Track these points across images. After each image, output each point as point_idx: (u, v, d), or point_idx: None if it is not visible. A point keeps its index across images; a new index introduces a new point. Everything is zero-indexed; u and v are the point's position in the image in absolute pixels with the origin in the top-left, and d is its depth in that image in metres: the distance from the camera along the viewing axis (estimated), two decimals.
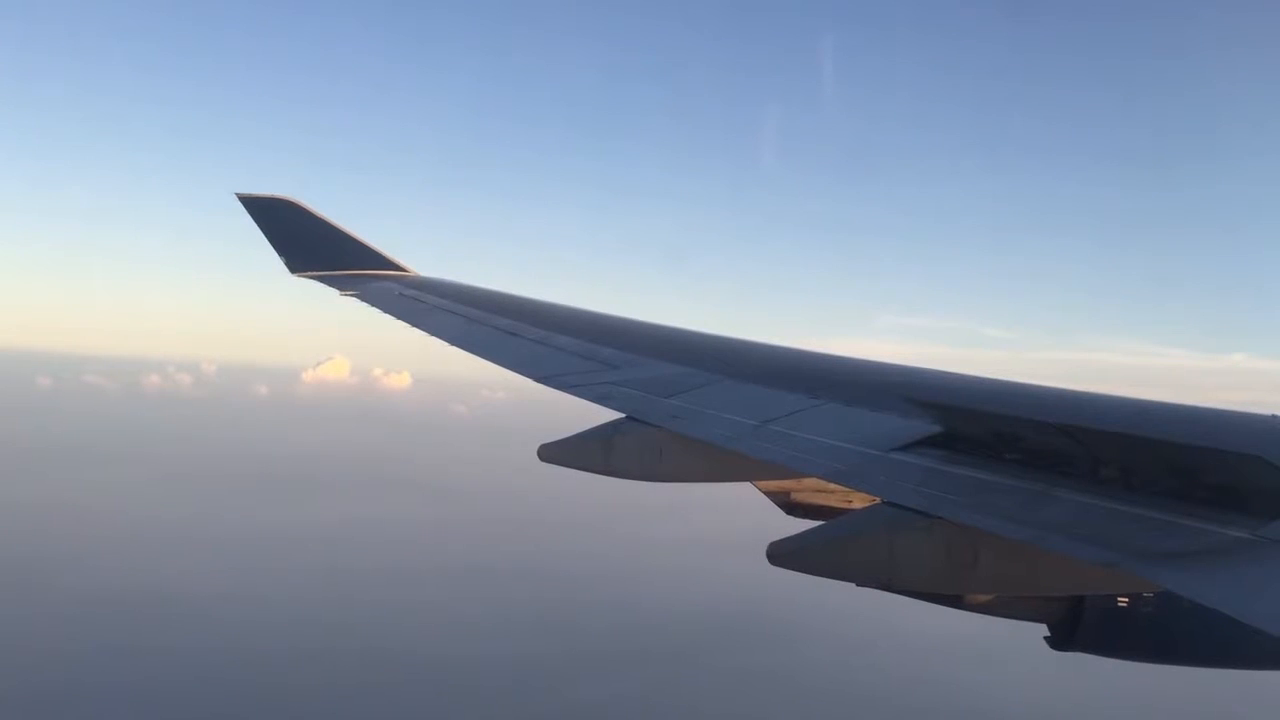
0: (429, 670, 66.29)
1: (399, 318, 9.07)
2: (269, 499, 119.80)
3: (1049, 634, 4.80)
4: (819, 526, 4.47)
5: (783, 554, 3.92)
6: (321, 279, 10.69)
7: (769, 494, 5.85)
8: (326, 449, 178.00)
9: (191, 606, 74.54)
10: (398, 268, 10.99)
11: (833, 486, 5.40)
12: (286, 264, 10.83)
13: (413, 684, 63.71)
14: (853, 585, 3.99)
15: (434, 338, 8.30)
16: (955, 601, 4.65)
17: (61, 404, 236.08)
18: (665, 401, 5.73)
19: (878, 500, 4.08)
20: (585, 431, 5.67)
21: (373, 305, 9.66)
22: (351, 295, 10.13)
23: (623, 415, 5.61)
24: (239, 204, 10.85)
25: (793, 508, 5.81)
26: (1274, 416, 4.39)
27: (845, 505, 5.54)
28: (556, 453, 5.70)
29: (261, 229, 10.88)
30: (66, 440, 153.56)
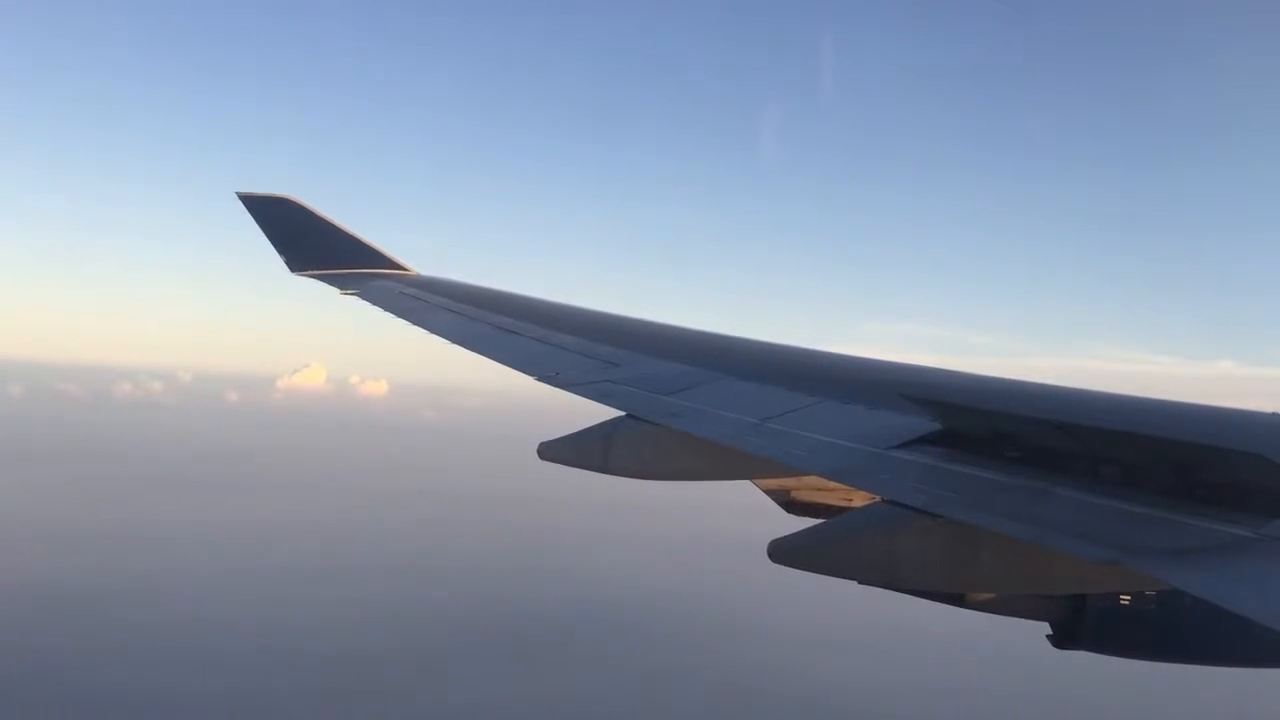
0: (421, 666, 66.42)
1: (399, 316, 9.06)
2: (203, 501, 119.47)
3: (1051, 632, 4.79)
4: (820, 524, 4.47)
5: (784, 552, 3.91)
6: (322, 278, 10.68)
7: (769, 492, 5.84)
8: (275, 452, 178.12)
9: (83, 603, 74.05)
10: (398, 267, 10.97)
11: (833, 485, 5.40)
12: (287, 263, 10.82)
13: (402, 681, 63.80)
14: (854, 583, 3.98)
15: (435, 336, 8.30)
16: (957, 600, 4.64)
17: (26, 411, 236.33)
18: (665, 399, 5.72)
19: (878, 498, 4.07)
20: (585, 429, 5.65)
21: (373, 304, 9.65)
22: (352, 294, 10.12)
23: (622, 413, 5.60)
24: (231, 207, 10.84)
25: (793, 506, 5.81)
26: (1275, 415, 4.37)
27: (846, 503, 5.54)
28: (556, 451, 5.68)
29: (261, 228, 10.87)
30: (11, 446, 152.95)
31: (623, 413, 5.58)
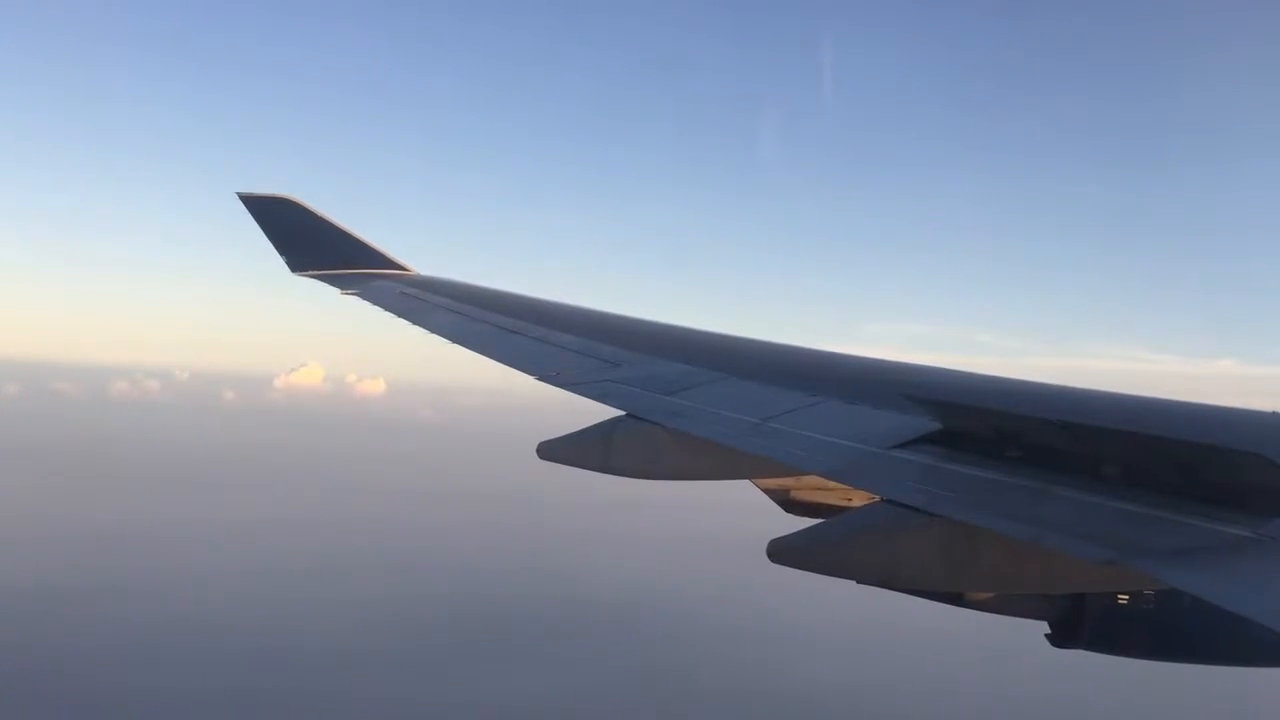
0: (420, 666, 66.40)
1: (400, 316, 9.07)
2: (201, 500, 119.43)
3: (1050, 632, 4.80)
4: (819, 524, 4.47)
5: (783, 552, 3.92)
6: (322, 278, 10.70)
7: (768, 492, 5.84)
8: (273, 450, 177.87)
9: (81, 602, 73.84)
10: (399, 267, 10.99)
11: (832, 484, 5.40)
12: (287, 263, 10.83)
13: (401, 681, 63.79)
14: (853, 583, 3.99)
15: (434, 335, 8.31)
16: (955, 599, 4.65)
17: (23, 410, 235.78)
18: (665, 399, 5.72)
19: (878, 498, 4.07)
20: (585, 429, 5.65)
21: (374, 304, 9.67)
22: (352, 294, 10.14)
23: (622, 413, 5.60)
24: (232, 207, 10.86)
25: (792, 505, 5.81)
26: (1275, 414, 4.38)
27: (845, 503, 5.54)
28: (556, 450, 5.68)
29: (262, 228, 10.88)
30: (8, 444, 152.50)
31: (623, 412, 5.59)
